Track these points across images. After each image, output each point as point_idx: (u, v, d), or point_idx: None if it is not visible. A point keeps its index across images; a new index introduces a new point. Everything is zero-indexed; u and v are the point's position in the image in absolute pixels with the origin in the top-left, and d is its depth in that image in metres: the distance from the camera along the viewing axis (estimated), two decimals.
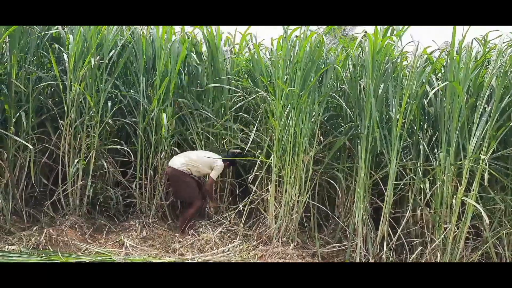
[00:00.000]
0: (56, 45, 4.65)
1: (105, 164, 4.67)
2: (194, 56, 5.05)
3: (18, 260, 3.42)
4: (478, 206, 3.48)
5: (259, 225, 4.36)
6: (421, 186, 3.97)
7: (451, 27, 3.67)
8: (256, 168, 4.42)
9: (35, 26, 4.35)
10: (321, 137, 4.67)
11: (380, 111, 4.05)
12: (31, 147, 4.23)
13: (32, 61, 4.48)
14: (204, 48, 5.07)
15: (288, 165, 4.14)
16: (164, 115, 4.60)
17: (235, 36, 5.28)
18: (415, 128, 4.23)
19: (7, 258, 3.42)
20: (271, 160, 4.24)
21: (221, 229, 4.42)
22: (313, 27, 4.30)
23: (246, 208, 4.36)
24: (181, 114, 4.90)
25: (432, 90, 3.78)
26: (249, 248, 4.13)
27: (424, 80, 3.88)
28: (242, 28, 5.14)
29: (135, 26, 4.77)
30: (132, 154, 4.73)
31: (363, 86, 4.02)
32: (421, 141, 4.07)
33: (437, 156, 3.92)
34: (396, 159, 3.87)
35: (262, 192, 4.41)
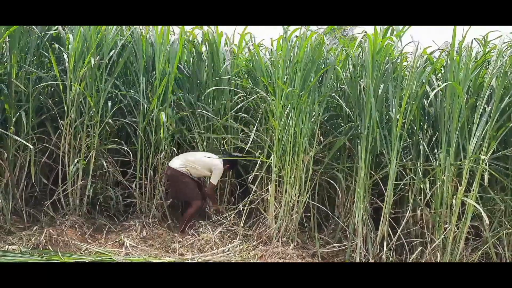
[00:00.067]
0: (56, 45, 4.65)
1: (105, 164, 4.68)
2: (194, 55, 5.05)
3: (18, 260, 3.42)
4: (478, 206, 3.48)
5: (259, 225, 4.36)
6: (421, 186, 3.96)
7: (451, 27, 3.67)
8: (256, 168, 4.42)
9: (35, 26, 4.35)
10: (321, 137, 4.67)
11: (380, 111, 4.05)
12: (31, 147, 4.22)
13: (32, 61, 4.47)
14: (204, 48, 5.07)
15: (288, 165, 4.14)
16: (163, 115, 4.60)
17: (233, 36, 5.28)
18: (415, 128, 4.22)
19: (7, 258, 3.42)
20: (271, 160, 4.24)
21: (221, 229, 4.41)
22: (313, 27, 4.30)
23: (246, 208, 4.36)
24: (181, 114, 4.90)
25: (432, 90, 3.79)
26: (249, 248, 4.13)
27: (424, 81, 3.87)
28: (241, 29, 5.14)
29: (135, 26, 4.77)
30: (132, 154, 4.72)
31: (363, 86, 4.02)
32: (421, 141, 4.06)
33: (437, 156, 3.92)
34: (396, 159, 3.87)
35: (262, 192, 4.41)
